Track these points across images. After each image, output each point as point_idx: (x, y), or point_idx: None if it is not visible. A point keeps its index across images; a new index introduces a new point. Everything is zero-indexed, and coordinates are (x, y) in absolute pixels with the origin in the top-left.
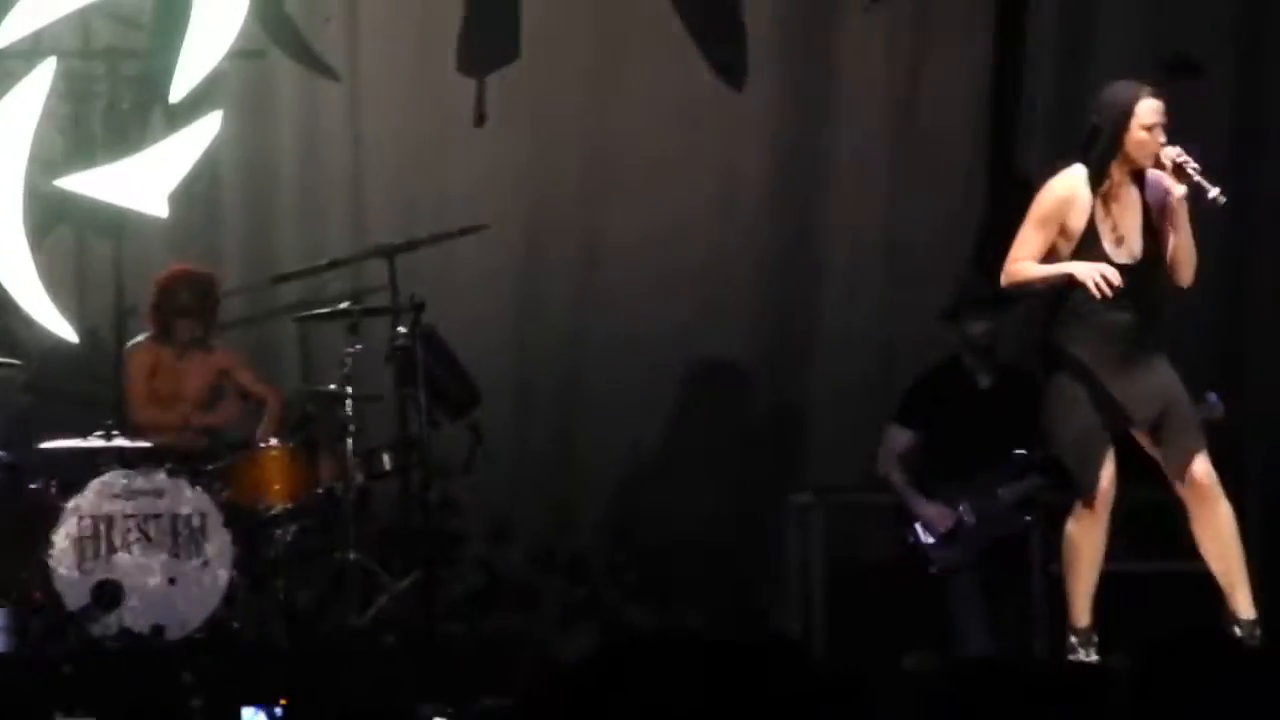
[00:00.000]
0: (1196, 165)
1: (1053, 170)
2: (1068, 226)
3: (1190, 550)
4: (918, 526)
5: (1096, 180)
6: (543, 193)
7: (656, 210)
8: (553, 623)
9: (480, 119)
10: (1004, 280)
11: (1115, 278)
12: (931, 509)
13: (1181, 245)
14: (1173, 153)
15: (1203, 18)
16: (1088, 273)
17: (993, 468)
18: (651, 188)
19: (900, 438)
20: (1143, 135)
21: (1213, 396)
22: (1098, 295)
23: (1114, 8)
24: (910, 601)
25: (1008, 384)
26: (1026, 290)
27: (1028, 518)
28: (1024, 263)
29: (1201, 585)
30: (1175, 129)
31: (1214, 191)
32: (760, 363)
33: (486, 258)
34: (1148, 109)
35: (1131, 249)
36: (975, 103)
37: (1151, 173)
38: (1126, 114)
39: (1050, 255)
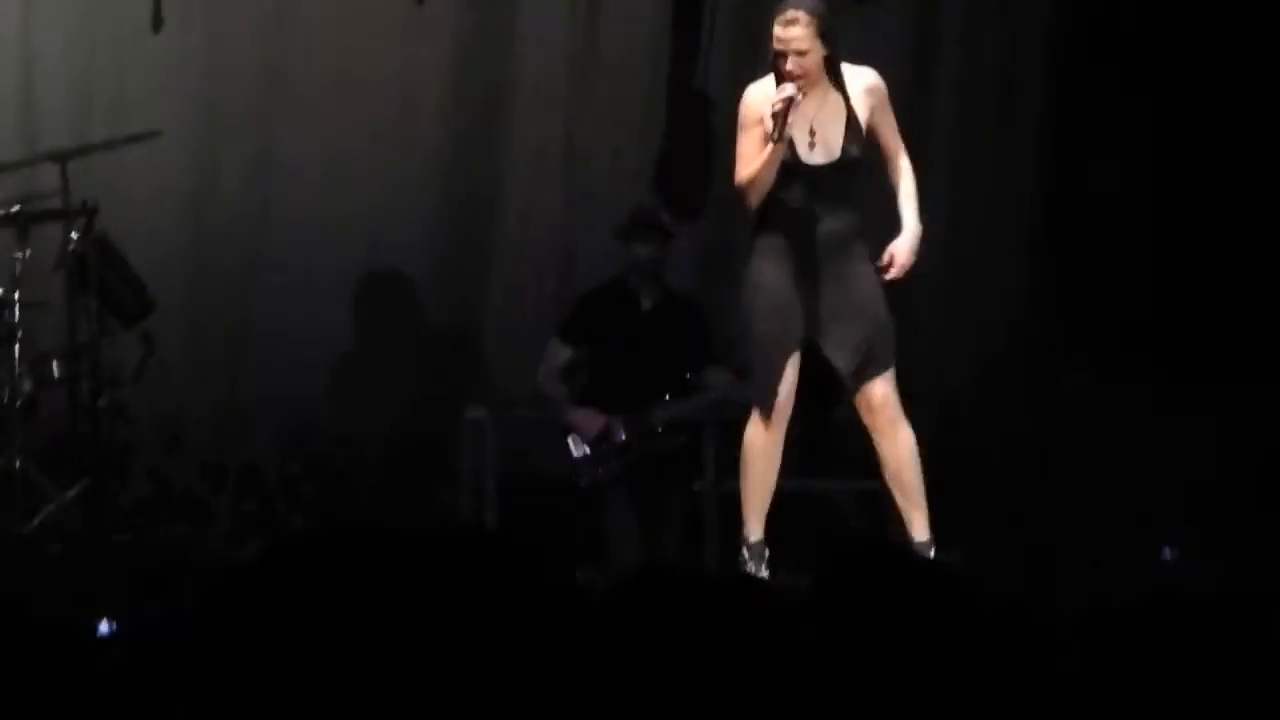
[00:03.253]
0: (780, 110)
1: (743, 86)
2: (765, 125)
3: (866, 469)
4: (569, 440)
5: (779, 84)
6: (220, 100)
7: (336, 120)
8: (223, 535)
9: (158, 24)
10: (745, 200)
11: (785, 91)
12: (579, 414)
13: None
14: (773, 96)
15: None
16: (771, 115)
17: (651, 388)
18: (331, 97)
19: (561, 353)
20: (776, 53)
21: None
22: (781, 108)
23: None
24: (583, 517)
25: (671, 308)
26: (764, 189)
27: (682, 439)
28: (743, 168)
29: (875, 503)
30: (859, 51)
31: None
32: (439, 274)
33: (162, 165)
34: (775, 31)
35: (829, 149)
36: (657, 23)
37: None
38: (770, 31)
39: None
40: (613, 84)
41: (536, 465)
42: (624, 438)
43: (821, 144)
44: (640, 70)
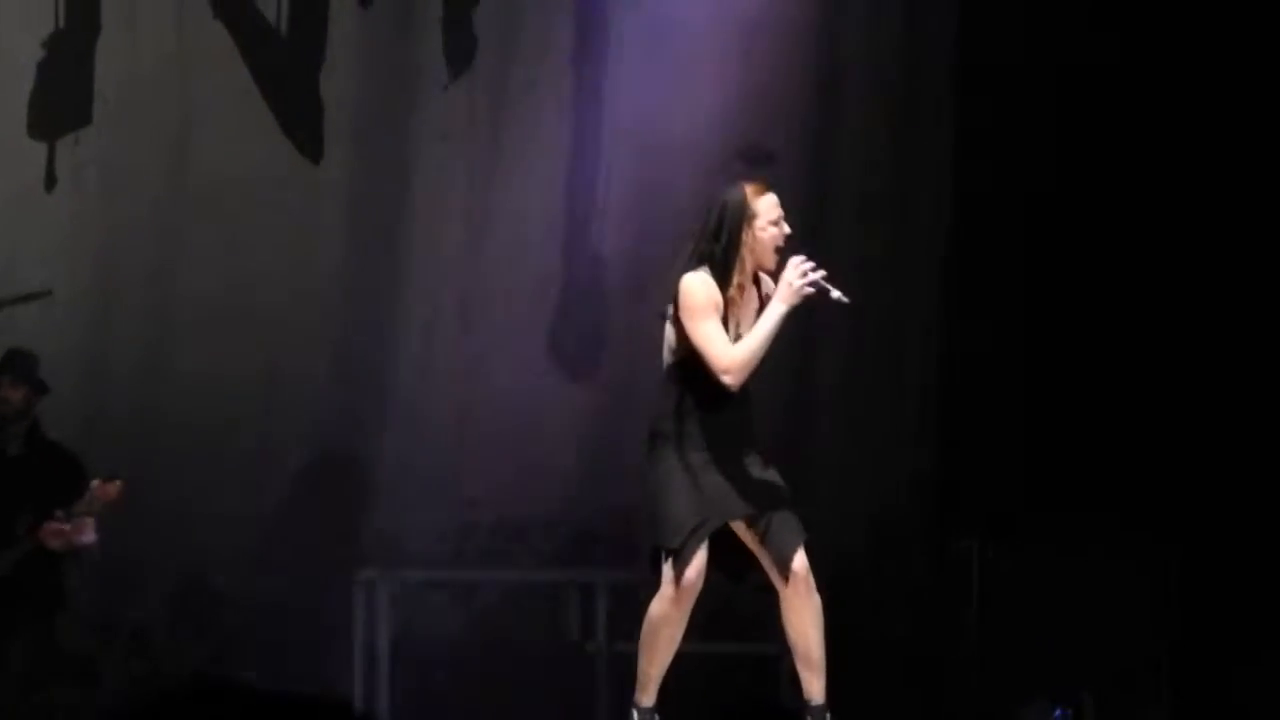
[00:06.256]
0: (820, 270)
1: (635, 250)
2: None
3: (745, 632)
4: None
5: (724, 280)
6: (113, 260)
7: (231, 282)
8: (114, 695)
9: (51, 183)
10: (734, 379)
11: (806, 262)
12: None
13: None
14: (798, 263)
15: (774, 109)
16: (795, 288)
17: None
18: (226, 259)
19: None
20: (770, 231)
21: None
22: (809, 280)
23: (689, 97)
24: (478, 677)
25: (38, 453)
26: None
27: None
28: (733, 348)
29: (759, 666)
30: None
31: (836, 293)
32: (334, 431)
33: (55, 324)
34: (769, 204)
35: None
36: (553, 183)
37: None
38: (749, 214)
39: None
40: (507, 244)
41: (427, 626)
42: None
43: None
44: (535, 231)
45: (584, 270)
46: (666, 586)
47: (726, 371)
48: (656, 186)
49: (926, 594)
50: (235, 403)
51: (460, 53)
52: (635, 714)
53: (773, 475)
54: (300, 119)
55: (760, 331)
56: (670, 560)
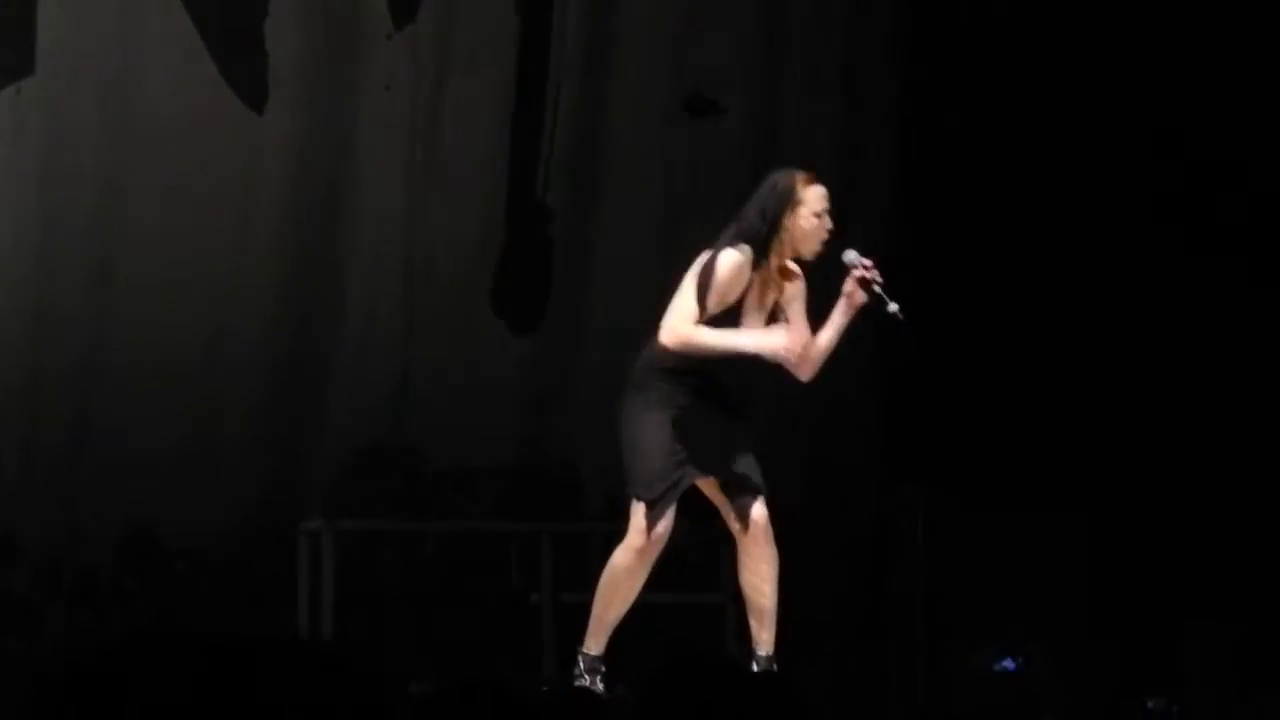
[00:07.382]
0: (880, 279)
1: (579, 200)
2: (727, 299)
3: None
4: None
5: (760, 257)
6: (57, 208)
7: (172, 228)
8: (57, 645)
9: None
10: (676, 341)
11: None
12: None
13: (830, 347)
14: (854, 259)
15: (719, 59)
16: (774, 350)
17: None
18: (169, 208)
19: None
20: (813, 221)
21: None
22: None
23: (634, 48)
24: (422, 626)
25: None
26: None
27: None
28: (701, 330)
29: (704, 615)
30: (699, 164)
31: (893, 306)
32: (278, 382)
33: None
34: (815, 195)
35: (757, 324)
36: (496, 132)
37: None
38: (795, 201)
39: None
40: (452, 193)
41: (373, 575)
42: None
43: (757, 319)
44: (479, 181)
45: (528, 220)
46: (635, 536)
47: (672, 334)
48: (601, 137)
49: (870, 543)
50: (179, 352)
51: (404, 2)
52: (582, 661)
53: (741, 428)
54: (243, 69)
55: (723, 344)
56: (641, 511)
